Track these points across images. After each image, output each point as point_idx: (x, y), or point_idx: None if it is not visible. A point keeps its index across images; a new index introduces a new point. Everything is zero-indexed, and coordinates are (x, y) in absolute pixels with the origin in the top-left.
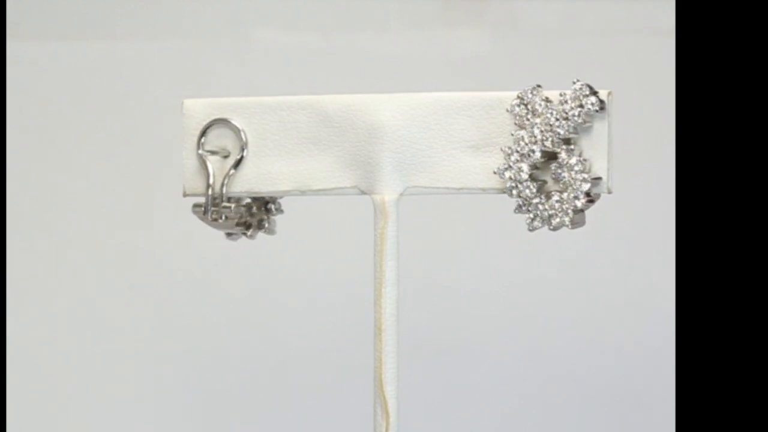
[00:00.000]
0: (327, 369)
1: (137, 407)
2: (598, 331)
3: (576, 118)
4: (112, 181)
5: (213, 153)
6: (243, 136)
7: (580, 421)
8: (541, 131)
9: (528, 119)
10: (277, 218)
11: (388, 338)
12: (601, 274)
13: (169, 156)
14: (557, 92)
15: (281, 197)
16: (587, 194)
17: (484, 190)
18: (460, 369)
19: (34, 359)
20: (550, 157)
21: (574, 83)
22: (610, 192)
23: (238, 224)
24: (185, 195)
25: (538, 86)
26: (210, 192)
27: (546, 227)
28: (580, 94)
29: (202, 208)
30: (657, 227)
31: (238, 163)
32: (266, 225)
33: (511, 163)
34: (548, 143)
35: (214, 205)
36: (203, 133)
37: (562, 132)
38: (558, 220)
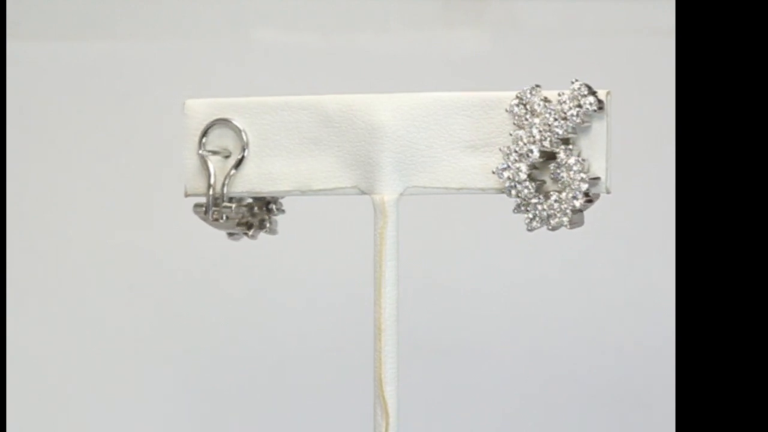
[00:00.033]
0: (327, 369)
1: (137, 407)
2: (598, 331)
3: (574, 118)
4: (112, 181)
5: (214, 153)
6: (244, 136)
7: (581, 421)
8: (540, 131)
9: (527, 119)
10: (277, 218)
11: (388, 338)
12: (601, 274)
13: (168, 156)
14: (556, 92)
15: (282, 197)
16: (586, 194)
17: (483, 190)
18: (460, 369)
19: (34, 359)
20: (549, 157)
21: (572, 83)
22: (608, 192)
23: (239, 224)
24: (187, 195)
25: (537, 86)
26: (211, 192)
27: (545, 227)
28: (579, 94)
29: (203, 208)
30: (657, 227)
31: (239, 163)
32: (268, 225)
33: (509, 163)
34: (547, 143)
35: (215, 205)
36: (204, 133)
37: (560, 132)
38: (556, 220)
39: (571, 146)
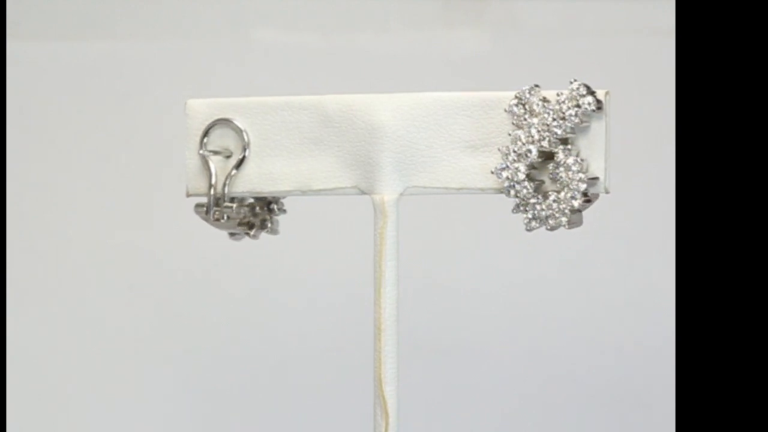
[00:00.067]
0: (327, 369)
1: (137, 407)
2: (598, 331)
3: (573, 118)
4: (112, 181)
5: (215, 153)
6: (245, 137)
7: (580, 421)
8: (539, 131)
9: (525, 119)
10: (278, 218)
11: (388, 338)
12: (601, 274)
13: (169, 156)
14: (555, 92)
15: (283, 197)
16: (584, 194)
17: (483, 190)
18: (460, 369)
19: (34, 359)
20: (548, 157)
21: (571, 83)
22: (607, 192)
23: (240, 224)
24: (188, 195)
25: (536, 86)
26: (212, 192)
27: (543, 227)
28: (577, 94)
29: (205, 208)
30: (657, 227)
31: (240, 163)
32: (269, 225)
33: (508, 163)
34: (545, 143)
35: (217, 205)
36: (206, 133)
37: (559, 132)
38: (555, 220)
39: (569, 146)
